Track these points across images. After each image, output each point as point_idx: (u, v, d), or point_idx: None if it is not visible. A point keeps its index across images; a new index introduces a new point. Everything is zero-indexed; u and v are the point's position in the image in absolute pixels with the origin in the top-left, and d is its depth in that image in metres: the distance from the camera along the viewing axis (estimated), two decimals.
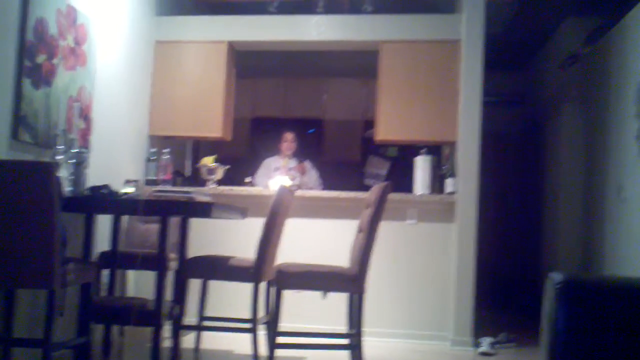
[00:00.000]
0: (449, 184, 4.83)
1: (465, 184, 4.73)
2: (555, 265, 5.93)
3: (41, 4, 3.51)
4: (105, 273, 4.02)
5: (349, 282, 3.42)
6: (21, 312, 3.32)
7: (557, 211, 6.11)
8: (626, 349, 1.82)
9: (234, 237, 4.74)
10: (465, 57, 4.84)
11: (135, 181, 3.68)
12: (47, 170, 2.83)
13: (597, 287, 1.98)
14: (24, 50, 3.37)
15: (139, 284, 4.77)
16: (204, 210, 3.34)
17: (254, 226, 3.78)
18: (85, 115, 4.08)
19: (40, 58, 3.52)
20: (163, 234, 3.42)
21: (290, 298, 3.61)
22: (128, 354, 4.09)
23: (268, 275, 3.73)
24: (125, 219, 4.53)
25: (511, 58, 7.32)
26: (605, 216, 5.02)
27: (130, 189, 3.52)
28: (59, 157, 3.53)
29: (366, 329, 3.68)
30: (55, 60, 3.68)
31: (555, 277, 1.93)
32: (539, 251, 6.72)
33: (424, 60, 5.02)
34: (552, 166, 6.45)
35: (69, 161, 3.52)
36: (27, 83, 3.40)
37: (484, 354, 4.39)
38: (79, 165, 3.47)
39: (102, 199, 3.38)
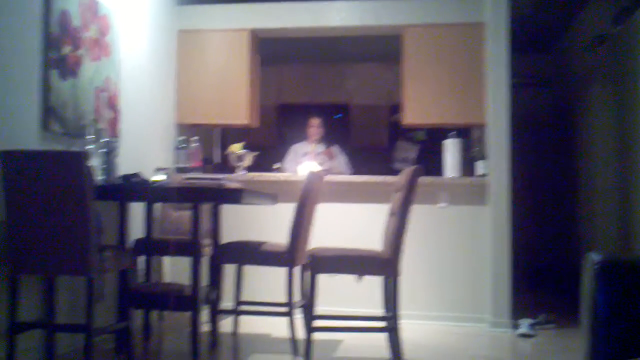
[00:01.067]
0: (480, 167, 4.79)
1: (496, 166, 4.68)
2: (592, 246, 5.85)
3: None
4: (141, 260, 4.08)
5: (383, 265, 3.41)
6: (63, 298, 3.38)
7: (592, 191, 6.02)
8: None
9: (266, 223, 4.76)
10: (491, 39, 4.77)
11: (166, 169, 3.72)
12: (78, 159, 2.87)
13: (636, 266, 1.95)
14: (49, 42, 3.40)
15: (174, 270, 4.83)
16: (234, 196, 3.35)
17: (285, 212, 3.80)
18: (112, 105, 4.12)
19: (66, 49, 3.55)
20: (195, 220, 3.45)
21: (325, 282, 3.62)
22: (168, 338, 4.15)
23: (301, 259, 3.75)
24: (158, 206, 4.58)
25: (538, 39, 7.20)
26: None
27: (161, 177, 3.56)
28: (89, 147, 3.58)
29: (403, 311, 3.68)
30: (80, 52, 3.71)
31: (594, 257, 1.91)
32: (575, 232, 6.64)
33: (449, 44, 4.96)
34: (584, 147, 6.36)
35: (99, 150, 3.56)
36: (54, 74, 3.43)
37: (523, 335, 4.35)
38: (110, 154, 3.51)
39: (135, 187, 3.41)
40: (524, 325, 4.42)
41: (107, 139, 3.65)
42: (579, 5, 6.10)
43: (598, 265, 1.89)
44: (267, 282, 4.44)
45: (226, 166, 5.57)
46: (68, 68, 3.58)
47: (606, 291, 1.87)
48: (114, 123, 4.14)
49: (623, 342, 1.85)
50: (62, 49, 3.52)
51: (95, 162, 3.59)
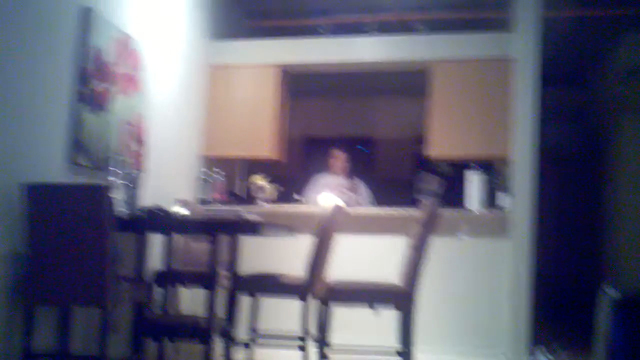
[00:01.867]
0: (502, 199, 4.74)
1: (520, 200, 4.63)
2: (616, 281, 5.71)
3: (98, 34, 3.64)
4: (160, 291, 4.09)
5: (400, 298, 3.37)
6: (77, 328, 3.40)
7: (618, 226, 5.90)
8: None
9: (284, 254, 4.75)
10: (520, 74, 4.78)
11: (185, 200, 3.75)
12: (100, 192, 2.92)
13: None
14: (81, 78, 3.50)
15: (193, 301, 4.83)
16: (252, 228, 3.36)
17: (304, 243, 3.79)
18: (139, 139, 4.19)
19: (97, 85, 3.64)
20: (214, 252, 3.46)
21: (341, 313, 3.58)
22: None
23: (318, 292, 3.72)
24: (179, 237, 4.61)
25: (569, 72, 7.15)
26: None
27: (183, 210, 3.59)
28: (112, 179, 3.63)
29: (419, 345, 3.62)
30: (110, 86, 3.80)
31: (612, 293, 1.86)
32: (599, 265, 6.50)
33: (477, 78, 4.98)
34: (612, 181, 6.25)
35: (122, 183, 3.61)
36: (84, 109, 3.51)
37: None
38: (133, 186, 3.56)
39: (154, 219, 3.45)
40: (540, 355, 4.33)
41: (131, 172, 3.71)
42: (611, 38, 6.06)
43: (615, 302, 1.84)
44: (283, 314, 4.40)
45: (249, 198, 5.59)
46: (98, 103, 3.67)
47: (622, 327, 1.82)
48: (139, 156, 4.20)
49: None
50: (93, 84, 3.61)
51: (118, 195, 3.64)
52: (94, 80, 3.62)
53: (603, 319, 1.88)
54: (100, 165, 3.70)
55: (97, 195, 2.91)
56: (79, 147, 3.49)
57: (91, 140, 3.61)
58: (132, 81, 4.07)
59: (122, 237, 3.50)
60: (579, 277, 7.11)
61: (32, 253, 2.94)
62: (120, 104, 3.92)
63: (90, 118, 3.58)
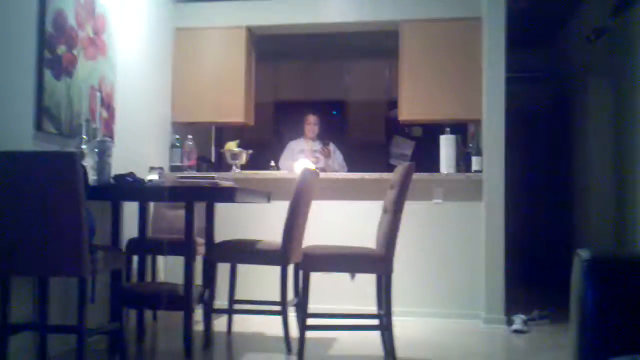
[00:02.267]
0: (475, 163, 4.78)
1: (491, 162, 4.67)
2: (587, 241, 5.85)
3: None
4: (136, 259, 4.08)
5: (376, 263, 3.41)
6: (55, 299, 3.38)
7: (587, 186, 6.01)
8: None
9: (261, 221, 4.76)
10: (488, 34, 4.76)
11: (160, 168, 3.71)
12: (71, 160, 2.86)
13: (625, 263, 1.94)
14: (44, 42, 3.39)
15: (169, 269, 4.83)
16: (227, 194, 3.35)
17: (280, 209, 3.79)
18: (107, 105, 4.11)
19: (60, 49, 3.55)
20: (189, 219, 3.45)
21: (319, 280, 3.62)
22: (161, 338, 4.15)
23: (295, 257, 3.75)
24: (152, 205, 4.58)
25: (536, 33, 7.17)
26: (636, 188, 4.92)
27: (154, 176, 3.55)
28: (83, 147, 3.57)
29: (397, 308, 3.67)
30: (75, 51, 3.70)
31: (583, 254, 1.90)
32: (570, 227, 6.63)
33: (446, 39, 4.96)
34: (581, 141, 6.34)
35: (93, 150, 3.55)
36: (48, 74, 3.42)
37: (517, 331, 4.35)
38: (103, 153, 3.50)
39: (127, 187, 3.41)
40: (518, 321, 4.42)
41: (101, 139, 3.64)
42: None
43: (586, 262, 1.88)
44: (262, 281, 4.44)
45: (222, 164, 5.56)
46: (63, 68, 3.57)
47: (594, 288, 1.86)
48: (108, 122, 4.13)
49: (611, 338, 1.84)
50: (57, 48, 3.51)
51: (89, 162, 3.58)
52: (58, 45, 3.52)
53: (575, 279, 1.92)
54: (70, 132, 3.63)
55: (68, 163, 2.85)
56: (45, 114, 3.41)
57: (58, 106, 3.52)
58: (97, 45, 3.97)
59: (96, 205, 3.47)
60: (552, 239, 7.26)
61: (4, 223, 2.89)
62: (86, 69, 3.82)
63: (55, 84, 3.49)
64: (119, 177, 3.45)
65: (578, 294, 1.88)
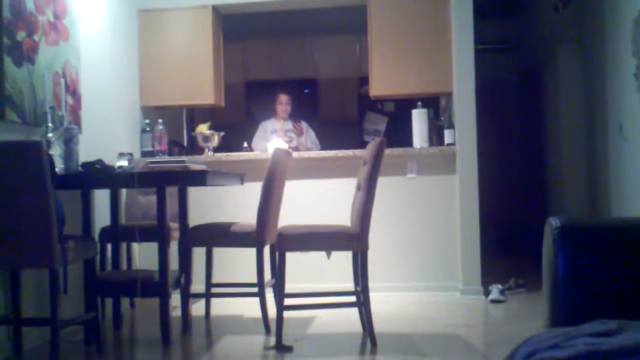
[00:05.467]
0: (448, 136, 4.79)
1: (463, 134, 4.68)
2: (561, 210, 5.91)
3: None
4: (110, 248, 4.03)
5: (352, 240, 3.40)
6: (28, 292, 3.33)
7: (560, 155, 6.07)
8: (628, 290, 1.80)
9: (235, 203, 4.73)
10: (455, 6, 4.74)
11: (129, 154, 3.65)
12: (35, 149, 2.80)
13: (595, 229, 1.95)
14: (2, 29, 3.30)
15: (144, 256, 4.79)
16: (198, 178, 3.32)
17: (254, 191, 3.77)
18: (73, 91, 4.03)
19: (20, 35, 3.45)
20: (161, 204, 3.41)
21: (295, 260, 3.61)
22: (140, 326, 4.12)
23: (271, 238, 3.73)
24: (125, 192, 4.52)
25: (504, 4, 7.18)
26: (608, 156, 4.97)
27: (123, 162, 3.50)
28: (49, 135, 3.50)
29: (375, 284, 3.69)
30: (35, 37, 3.61)
31: (553, 222, 1.90)
32: (544, 196, 6.70)
33: (414, 12, 4.92)
34: (552, 110, 6.39)
35: (59, 138, 3.48)
36: (8, 61, 3.33)
37: (494, 301, 4.40)
38: (70, 141, 3.43)
39: (96, 174, 3.36)
40: (495, 291, 4.47)
41: (67, 126, 3.57)
42: None
43: (557, 229, 1.88)
44: (238, 263, 4.43)
45: (194, 148, 5.51)
46: (23, 54, 3.48)
47: (565, 255, 1.87)
48: (75, 109, 4.05)
49: (582, 304, 1.86)
50: (16, 35, 3.41)
51: (56, 151, 3.52)
52: (17, 30, 3.42)
53: (547, 247, 1.93)
54: (34, 121, 3.55)
55: (33, 152, 2.80)
56: (7, 102, 3.32)
57: (21, 94, 3.44)
58: (58, 30, 3.87)
59: (65, 194, 3.41)
60: (526, 209, 7.34)
61: None
62: (48, 55, 3.73)
63: (16, 71, 3.40)
64: (87, 165, 3.40)
65: (549, 261, 1.89)
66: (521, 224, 7.33)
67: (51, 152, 3.41)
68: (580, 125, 5.69)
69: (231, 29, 5.71)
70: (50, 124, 3.57)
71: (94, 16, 4.41)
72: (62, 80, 3.86)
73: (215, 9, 5.17)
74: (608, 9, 4.83)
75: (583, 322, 1.69)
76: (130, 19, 5.06)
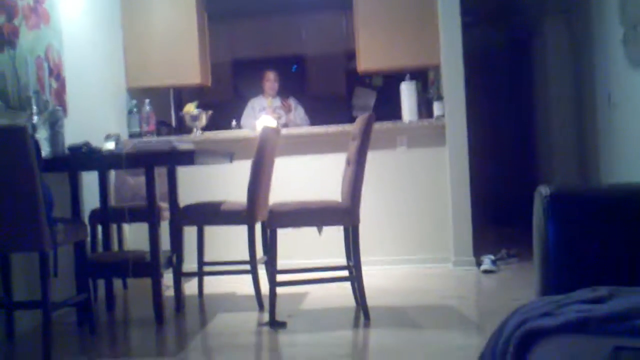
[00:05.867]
0: (437, 108, 4.77)
1: (452, 106, 4.66)
2: (552, 179, 5.93)
3: None
4: (100, 230, 4.01)
5: (343, 215, 3.40)
6: (19, 276, 3.31)
7: (549, 124, 6.07)
8: (618, 257, 1.80)
9: (225, 182, 4.70)
10: None
11: (116, 135, 3.62)
12: (20, 133, 2.77)
13: (585, 197, 1.95)
14: None
15: (135, 237, 4.77)
16: (186, 157, 3.30)
17: (244, 169, 3.75)
18: (57, 74, 3.97)
19: None
20: (150, 185, 3.39)
21: (287, 236, 3.60)
22: (133, 306, 4.12)
23: (262, 215, 3.72)
24: (114, 174, 4.49)
25: None
26: (597, 124, 4.98)
27: (111, 144, 3.46)
28: (34, 119, 3.46)
29: (367, 258, 3.69)
30: (16, 21, 3.54)
31: (543, 191, 1.90)
32: (535, 165, 6.72)
33: None
34: (541, 80, 6.37)
35: (45, 122, 3.44)
36: None
37: (486, 271, 4.43)
38: (55, 124, 3.39)
39: (82, 157, 3.33)
40: (487, 261, 4.50)
41: (52, 110, 3.52)
42: None
43: (547, 197, 1.88)
44: (229, 241, 4.42)
45: (183, 128, 5.46)
46: (5, 39, 3.42)
47: (555, 224, 1.87)
48: (59, 92, 3.99)
49: (573, 272, 1.86)
50: None
51: (41, 134, 3.48)
52: None
53: (537, 216, 1.93)
54: (19, 105, 3.50)
55: (17, 137, 2.76)
56: None
57: (3, 79, 3.38)
58: (39, 14, 3.80)
59: (53, 178, 3.38)
60: (517, 179, 7.35)
61: None
62: (30, 39, 3.66)
63: None
64: (74, 148, 3.37)
65: (539, 230, 1.89)
66: (512, 194, 7.34)
67: (37, 136, 3.36)
68: (569, 94, 5.69)
69: (217, 7, 5.64)
70: (35, 108, 3.52)
71: None
72: (45, 64, 3.80)
73: None
74: None
75: (574, 290, 1.70)
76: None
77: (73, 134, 3.77)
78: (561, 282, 1.85)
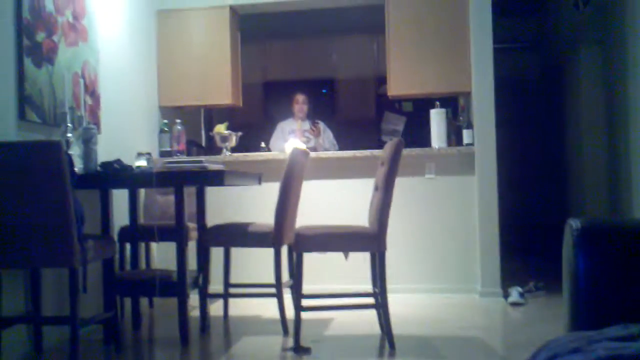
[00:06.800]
0: (466, 136, 4.75)
1: (482, 134, 4.64)
2: (581, 210, 5.84)
3: None
4: (129, 247, 4.05)
5: (369, 240, 3.38)
6: (48, 290, 3.36)
7: (580, 154, 6.00)
8: None
9: (253, 203, 4.73)
10: (474, 4, 4.70)
11: (148, 154, 3.67)
12: (55, 149, 2.82)
13: (616, 231, 1.91)
14: (22, 30, 3.32)
15: (163, 256, 4.81)
16: (216, 178, 3.32)
17: (272, 191, 3.77)
18: (92, 91, 4.05)
19: (40, 36, 3.48)
20: (179, 204, 3.42)
21: (313, 260, 3.60)
22: (158, 325, 4.14)
23: (288, 239, 3.72)
24: (144, 192, 4.54)
25: (523, 2, 7.11)
26: (630, 156, 4.90)
27: (142, 162, 3.51)
28: (68, 135, 3.53)
29: (393, 285, 3.66)
30: (55, 37, 3.63)
31: (574, 224, 1.87)
32: (564, 196, 6.63)
33: (432, 11, 4.89)
34: (573, 109, 6.31)
35: (79, 138, 3.51)
36: (28, 62, 3.36)
37: (513, 304, 4.36)
38: (89, 141, 3.46)
39: (114, 174, 3.38)
40: (514, 293, 4.42)
41: (86, 126, 3.59)
42: None
43: (577, 231, 1.85)
44: (256, 263, 4.43)
45: (212, 148, 5.52)
46: (43, 55, 3.51)
47: (585, 258, 1.84)
48: (93, 109, 4.07)
49: (604, 308, 1.83)
50: (36, 35, 3.44)
51: (75, 150, 3.54)
52: (37, 31, 3.45)
53: (567, 249, 1.90)
54: (54, 121, 3.58)
55: (52, 152, 2.81)
56: (28, 102, 3.35)
57: (41, 95, 3.47)
58: (77, 31, 3.89)
59: (84, 194, 3.43)
60: (546, 209, 7.26)
61: None
62: (67, 56, 3.76)
63: (36, 72, 3.43)
64: (106, 165, 3.42)
65: (569, 264, 1.86)
66: (541, 225, 7.25)
67: (70, 152, 3.43)
68: (601, 124, 5.62)
69: (249, 29, 5.72)
70: (69, 124, 3.59)
71: (112, 17, 4.44)
72: (81, 80, 3.89)
73: (233, 9, 5.18)
74: (629, 6, 4.76)
75: (604, 326, 1.66)
76: (149, 19, 5.08)
77: (105, 151, 3.84)
78: (591, 317, 1.82)
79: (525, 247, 6.99)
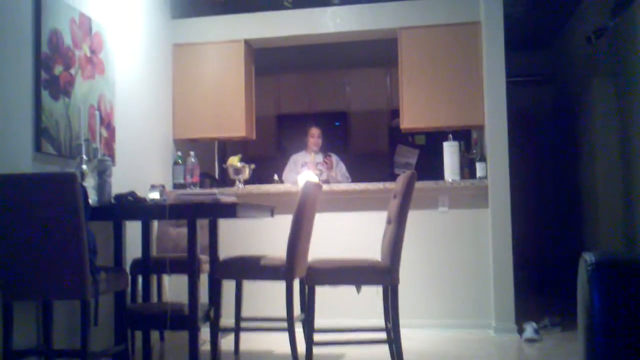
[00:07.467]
0: (480, 169, 4.73)
1: (495, 167, 4.62)
2: (596, 245, 5.78)
3: (54, 15, 3.53)
4: (140, 280, 4.05)
5: (382, 274, 3.36)
6: (59, 323, 3.35)
7: (595, 188, 5.95)
8: None
9: (265, 236, 4.73)
10: (487, 38, 4.72)
11: (161, 186, 3.69)
12: (70, 181, 2.85)
13: (632, 265, 1.89)
14: (40, 63, 3.39)
15: (175, 288, 4.79)
16: (229, 210, 3.32)
17: (284, 224, 3.76)
18: (107, 124, 4.10)
19: (57, 69, 3.54)
20: (191, 236, 3.42)
21: (325, 294, 3.57)
22: (169, 359, 4.11)
23: (300, 272, 3.70)
24: (156, 224, 4.55)
25: (535, 36, 7.15)
26: None
27: (155, 194, 3.53)
28: (83, 167, 3.56)
29: (405, 320, 3.62)
30: (72, 71, 3.70)
31: (588, 258, 1.85)
32: (579, 230, 6.56)
33: (445, 45, 4.92)
34: (586, 142, 6.29)
35: (93, 170, 3.54)
36: (45, 95, 3.42)
37: (528, 340, 4.28)
38: (103, 173, 3.48)
39: (128, 206, 3.39)
40: (529, 329, 4.35)
41: (101, 158, 3.62)
42: (576, 0, 6.06)
43: (592, 265, 1.83)
44: (267, 297, 4.40)
45: (226, 180, 5.54)
46: (60, 88, 3.57)
47: (601, 293, 1.81)
48: (109, 141, 4.12)
49: (620, 345, 1.79)
50: (53, 69, 3.51)
51: (89, 182, 3.57)
52: (55, 65, 3.52)
53: (582, 284, 1.87)
54: (69, 152, 3.62)
55: (68, 184, 2.84)
56: (44, 134, 3.40)
57: (57, 127, 3.52)
58: (94, 64, 3.96)
59: (97, 225, 3.45)
60: (561, 243, 7.19)
61: (5, 247, 2.87)
62: (84, 89, 3.82)
63: (53, 104, 3.49)
64: (120, 197, 3.44)
65: (584, 299, 1.84)
66: (556, 260, 7.17)
67: (85, 183, 3.45)
68: (615, 157, 5.59)
69: (263, 62, 5.79)
70: (84, 156, 3.63)
71: (129, 50, 4.51)
72: (97, 113, 3.94)
73: (248, 43, 5.25)
74: None
75: None
76: (165, 53, 5.16)
77: (119, 183, 3.86)
78: (607, 354, 1.78)
79: (541, 282, 6.91)
